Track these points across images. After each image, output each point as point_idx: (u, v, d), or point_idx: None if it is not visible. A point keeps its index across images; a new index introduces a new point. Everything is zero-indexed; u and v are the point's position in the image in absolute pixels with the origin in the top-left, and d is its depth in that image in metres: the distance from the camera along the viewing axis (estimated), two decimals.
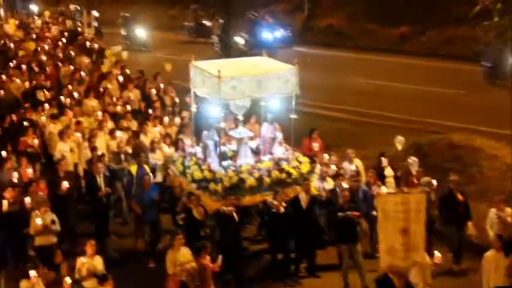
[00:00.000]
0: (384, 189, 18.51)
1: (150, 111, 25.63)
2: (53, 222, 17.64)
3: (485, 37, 35.33)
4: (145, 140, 22.85)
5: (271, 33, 44.10)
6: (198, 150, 19.42)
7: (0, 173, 20.40)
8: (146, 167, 20.54)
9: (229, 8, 32.29)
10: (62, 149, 22.05)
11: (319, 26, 45.84)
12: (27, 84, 28.83)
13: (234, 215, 17.53)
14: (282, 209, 17.66)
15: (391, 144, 22.50)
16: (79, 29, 43.26)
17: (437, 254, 14.61)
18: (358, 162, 20.96)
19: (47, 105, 25.53)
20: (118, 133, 22.68)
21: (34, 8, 53.22)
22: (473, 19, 27.79)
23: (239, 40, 42.29)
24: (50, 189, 19.35)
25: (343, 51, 41.80)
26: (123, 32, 48.09)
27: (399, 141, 21.67)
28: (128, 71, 30.85)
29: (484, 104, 29.50)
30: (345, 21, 45.98)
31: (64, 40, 38.53)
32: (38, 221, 17.43)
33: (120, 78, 29.46)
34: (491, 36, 34.60)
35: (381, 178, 19.83)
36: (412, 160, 20.05)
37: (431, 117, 29.05)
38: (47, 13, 45.32)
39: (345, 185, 18.80)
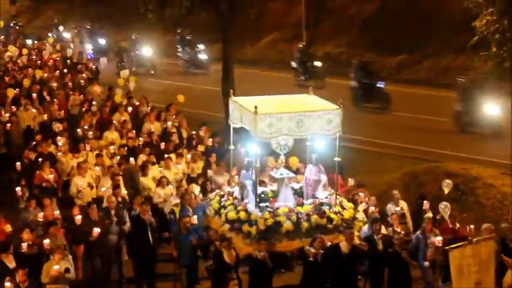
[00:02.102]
0: (439, 238, 17.09)
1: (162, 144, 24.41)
2: (67, 270, 16.26)
3: (483, 67, 35.06)
4: (169, 175, 21.51)
5: None
6: (236, 189, 18.20)
7: (25, 212, 19.17)
8: (190, 208, 19.02)
9: (228, 37, 30.29)
10: (78, 183, 20.85)
11: (317, 54, 44.42)
12: (36, 113, 27.39)
13: (267, 260, 16.25)
14: (319, 258, 16.25)
15: (389, 171, 22.46)
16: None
17: None
18: (403, 204, 19.58)
19: (63, 138, 24.21)
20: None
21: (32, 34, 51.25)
22: (472, 49, 27.40)
23: None
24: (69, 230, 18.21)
25: (341, 79, 39.95)
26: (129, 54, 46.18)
27: (447, 185, 20.22)
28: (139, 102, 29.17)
29: (480, 134, 29.29)
30: (343, 50, 45.01)
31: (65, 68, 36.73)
32: (53, 269, 16.10)
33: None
34: (489, 66, 34.29)
35: (421, 222, 18.50)
36: (444, 205, 18.79)
37: (427, 146, 28.59)
38: (50, 39, 43.28)
39: (397, 228, 17.72)
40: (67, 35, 48.66)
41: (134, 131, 25.39)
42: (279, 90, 30.84)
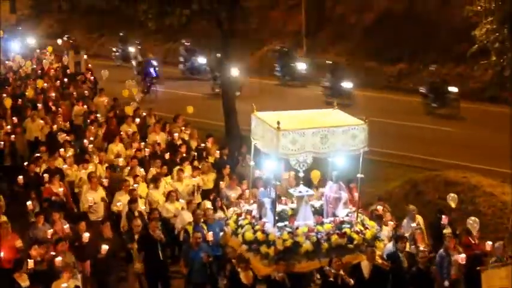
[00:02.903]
0: (462, 256, 16.34)
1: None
2: None
3: (483, 76, 34.61)
4: (180, 187, 20.71)
5: None
6: (254, 208, 17.34)
7: (34, 228, 18.31)
8: (204, 225, 18.16)
9: (227, 46, 30.04)
10: (89, 198, 20.08)
11: (318, 63, 43.70)
12: (43, 124, 26.53)
13: (286, 281, 15.53)
14: (340, 279, 15.48)
15: (389, 179, 22.10)
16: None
17: None
18: (420, 219, 18.79)
19: (69, 150, 23.57)
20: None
21: (31, 41, 49.99)
22: (471, 58, 26.98)
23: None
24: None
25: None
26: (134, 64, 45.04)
27: (452, 199, 19.49)
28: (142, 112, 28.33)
29: (481, 142, 28.83)
30: (343, 58, 44.13)
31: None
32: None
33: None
34: (489, 75, 33.92)
35: (440, 237, 17.80)
36: (473, 220, 18.14)
37: (427, 154, 28.10)
38: (50, 48, 42.15)
39: (421, 245, 16.90)
40: (132, 50, 46.96)
41: (143, 143, 24.60)
42: (280, 98, 30.11)
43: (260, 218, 16.91)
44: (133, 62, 44.71)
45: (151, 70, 41.27)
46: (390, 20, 43.62)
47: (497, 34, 22.95)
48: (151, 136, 25.65)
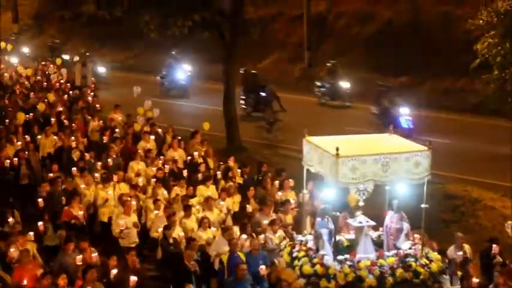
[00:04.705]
0: None
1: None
2: None
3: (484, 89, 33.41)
4: (212, 217, 18.82)
5: None
6: (309, 238, 15.61)
7: (63, 255, 16.52)
8: (241, 254, 16.40)
9: (230, 57, 29.26)
10: (121, 222, 18.34)
11: (319, 75, 42.14)
12: (57, 139, 24.56)
13: None
14: None
15: None
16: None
17: None
18: (467, 248, 17.17)
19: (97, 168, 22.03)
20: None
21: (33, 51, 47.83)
22: (473, 71, 26.11)
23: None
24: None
25: (341, 100, 38.77)
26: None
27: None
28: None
29: (481, 155, 27.74)
30: (345, 70, 42.07)
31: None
32: None
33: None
34: (491, 89, 32.71)
35: (490, 268, 16.18)
36: (510, 225, 17.05)
37: None
38: (59, 61, 39.88)
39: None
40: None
41: (161, 161, 22.67)
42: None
43: (317, 250, 15.37)
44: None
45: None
46: (392, 33, 42.51)
47: (499, 48, 22.15)
48: (168, 153, 23.96)
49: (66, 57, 46.07)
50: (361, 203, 15.35)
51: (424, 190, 15.16)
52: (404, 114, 30.97)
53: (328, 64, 40.32)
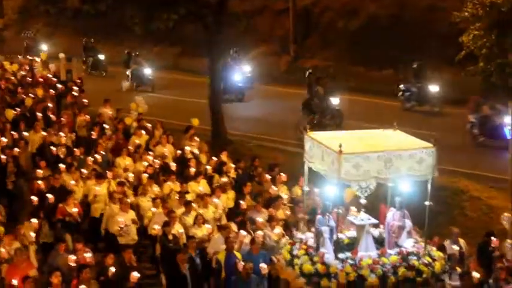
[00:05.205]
0: None
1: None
2: None
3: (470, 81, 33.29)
4: (208, 215, 18.25)
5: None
6: (309, 236, 15.17)
7: (55, 255, 16.29)
8: (238, 254, 15.98)
9: (215, 50, 28.80)
10: (119, 219, 18.02)
11: (305, 67, 41.68)
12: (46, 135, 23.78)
13: None
14: None
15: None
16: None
17: None
18: (462, 243, 17.01)
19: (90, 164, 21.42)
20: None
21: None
22: (459, 63, 26.11)
23: None
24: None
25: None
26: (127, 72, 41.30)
27: (507, 220, 17.32)
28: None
29: (467, 147, 27.43)
30: (330, 63, 42.23)
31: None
32: None
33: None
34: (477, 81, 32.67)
35: (488, 262, 15.98)
36: (510, 244, 16.38)
37: None
38: (43, 55, 38.93)
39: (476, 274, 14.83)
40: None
41: (151, 157, 22.14)
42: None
43: (318, 248, 14.84)
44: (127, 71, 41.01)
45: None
46: (378, 26, 41.66)
47: (484, 40, 21.89)
48: (158, 148, 23.46)
49: (102, 57, 45.01)
50: (363, 201, 14.83)
51: (429, 188, 14.68)
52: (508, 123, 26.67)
53: (414, 65, 35.63)
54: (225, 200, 19.73)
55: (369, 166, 13.94)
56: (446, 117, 32.30)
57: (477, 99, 28.75)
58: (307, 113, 30.14)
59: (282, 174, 20.85)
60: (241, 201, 19.36)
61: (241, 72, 38.21)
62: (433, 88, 34.05)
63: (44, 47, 43.78)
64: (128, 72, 40.50)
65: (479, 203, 21.66)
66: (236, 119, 31.65)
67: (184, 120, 26.90)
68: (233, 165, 21.90)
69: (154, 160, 21.99)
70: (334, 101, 30.33)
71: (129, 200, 18.87)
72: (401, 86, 35.34)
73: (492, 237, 16.73)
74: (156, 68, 42.26)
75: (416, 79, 34.81)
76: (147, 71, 40.05)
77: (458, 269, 15.49)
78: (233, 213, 19.24)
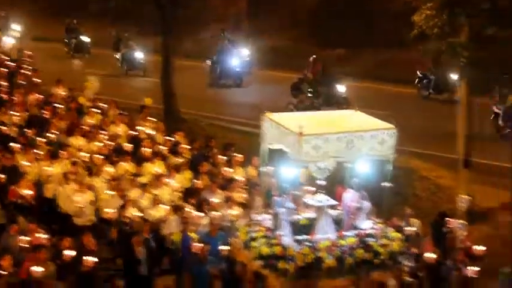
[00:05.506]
0: (473, 269, 14.47)
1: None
2: None
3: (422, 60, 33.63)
4: (166, 196, 18.29)
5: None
6: (267, 218, 14.97)
7: (7, 236, 16.04)
8: (193, 234, 15.73)
9: (168, 29, 28.90)
10: (76, 199, 17.81)
11: (262, 47, 41.45)
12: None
13: None
14: None
15: None
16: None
17: None
18: (416, 223, 17.05)
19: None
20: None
21: None
22: (412, 43, 26.27)
23: None
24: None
25: (282, 72, 37.15)
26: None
27: (466, 201, 17.30)
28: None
29: (419, 127, 26.52)
30: (285, 42, 42.22)
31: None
32: None
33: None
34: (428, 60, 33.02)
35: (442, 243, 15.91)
36: (460, 224, 16.44)
37: None
38: None
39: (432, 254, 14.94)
40: None
41: (106, 137, 21.92)
42: None
43: (275, 230, 14.62)
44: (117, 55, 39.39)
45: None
46: (333, 5, 41.50)
47: (436, 19, 21.82)
48: (111, 128, 23.02)
49: (85, 39, 42.95)
50: (322, 182, 14.65)
51: (389, 168, 14.51)
52: None
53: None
54: (182, 181, 19.48)
55: (328, 147, 13.74)
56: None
57: (502, 89, 27.58)
58: (295, 95, 30.15)
59: (237, 155, 20.62)
60: (197, 181, 19.15)
61: (239, 56, 36.55)
62: (452, 76, 31.53)
63: (17, 27, 42.31)
64: (118, 56, 39.52)
65: (428, 182, 21.89)
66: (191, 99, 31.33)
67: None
68: (188, 146, 21.60)
69: (108, 141, 21.60)
70: (341, 88, 29.79)
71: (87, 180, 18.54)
72: (418, 73, 34.06)
73: (446, 218, 16.70)
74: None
75: (435, 66, 33.21)
76: (139, 55, 38.38)
77: (415, 250, 15.40)
78: (190, 194, 18.99)
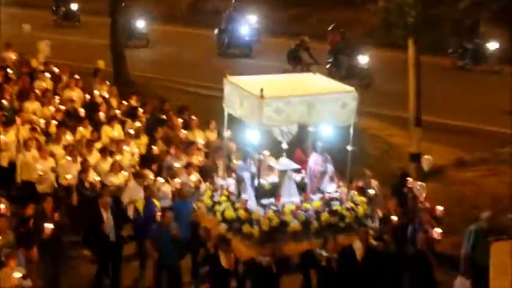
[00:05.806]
0: (438, 231, 14.29)
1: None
2: (24, 277, 12.84)
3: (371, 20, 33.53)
4: (125, 162, 18.09)
5: None
6: (231, 182, 14.81)
7: None
8: (156, 201, 15.62)
9: None
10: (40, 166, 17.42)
11: (206, 8, 40.90)
12: None
13: (273, 266, 13.27)
14: (334, 263, 13.45)
15: None
16: None
17: None
18: (375, 185, 16.76)
19: None
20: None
21: None
22: (361, 2, 26.27)
23: None
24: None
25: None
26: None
27: (427, 161, 17.34)
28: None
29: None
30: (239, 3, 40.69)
31: None
32: (12, 277, 12.68)
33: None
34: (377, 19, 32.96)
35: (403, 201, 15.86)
36: (420, 185, 16.23)
37: None
38: None
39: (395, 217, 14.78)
40: None
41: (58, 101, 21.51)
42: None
43: (239, 194, 14.51)
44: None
45: None
46: None
47: None
48: (66, 92, 22.60)
49: (74, 6, 41.14)
50: (285, 146, 14.59)
51: (351, 132, 14.41)
52: None
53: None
54: (139, 146, 19.26)
55: (290, 110, 13.56)
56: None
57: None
58: (292, 63, 29.30)
59: (194, 117, 20.43)
60: (154, 147, 18.98)
61: (247, 24, 34.52)
62: (492, 45, 30.18)
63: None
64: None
65: (379, 140, 21.95)
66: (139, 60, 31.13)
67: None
68: (141, 109, 21.38)
69: (62, 105, 21.23)
70: (362, 59, 27.87)
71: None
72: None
73: (408, 178, 16.77)
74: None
75: (471, 35, 30.53)
76: (140, 24, 35.88)
77: (379, 212, 15.43)
78: (146, 160, 18.79)
